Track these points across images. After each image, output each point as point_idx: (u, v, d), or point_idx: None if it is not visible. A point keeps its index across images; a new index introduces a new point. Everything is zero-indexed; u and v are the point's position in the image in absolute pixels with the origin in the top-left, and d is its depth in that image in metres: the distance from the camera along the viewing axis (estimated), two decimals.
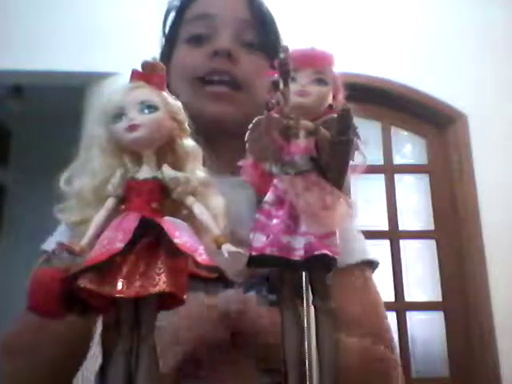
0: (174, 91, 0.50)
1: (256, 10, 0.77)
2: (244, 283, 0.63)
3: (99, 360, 0.70)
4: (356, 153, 0.42)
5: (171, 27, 0.82)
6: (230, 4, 0.78)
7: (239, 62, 0.73)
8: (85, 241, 0.40)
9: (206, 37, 0.75)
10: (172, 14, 0.82)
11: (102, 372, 0.42)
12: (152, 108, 0.42)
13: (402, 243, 2.61)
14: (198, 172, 0.44)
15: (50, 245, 0.66)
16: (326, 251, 0.40)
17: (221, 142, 0.71)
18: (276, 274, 0.44)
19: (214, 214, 0.43)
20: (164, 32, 0.83)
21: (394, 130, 2.76)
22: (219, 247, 0.41)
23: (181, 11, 0.81)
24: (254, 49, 0.75)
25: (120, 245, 0.38)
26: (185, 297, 0.41)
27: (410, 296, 2.55)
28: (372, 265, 0.73)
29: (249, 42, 0.75)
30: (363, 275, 0.70)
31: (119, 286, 0.38)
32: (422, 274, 2.62)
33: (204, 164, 0.46)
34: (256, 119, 0.44)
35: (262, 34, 0.76)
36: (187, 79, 0.73)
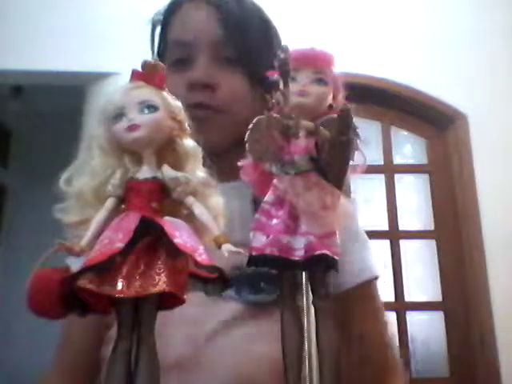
0: None
1: (231, 25, 0.73)
2: None
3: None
4: (356, 153, 0.42)
5: (160, 44, 0.80)
6: (203, 26, 0.74)
7: (219, 87, 0.72)
8: (85, 241, 0.40)
9: (186, 62, 0.74)
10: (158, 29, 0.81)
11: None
12: (152, 108, 0.42)
13: (402, 243, 2.61)
14: (198, 172, 0.44)
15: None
16: (326, 251, 0.40)
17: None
18: (276, 274, 0.44)
19: (213, 215, 0.43)
20: (153, 51, 0.81)
21: (394, 129, 2.76)
22: (219, 247, 0.41)
23: (164, 29, 0.79)
24: (233, 64, 0.73)
25: (120, 245, 0.38)
26: (185, 297, 0.41)
27: (410, 296, 2.55)
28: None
29: (228, 57, 0.73)
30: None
31: (119, 286, 0.38)
32: (422, 274, 2.62)
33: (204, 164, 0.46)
34: (256, 119, 0.44)
35: (241, 48, 0.73)
36: None
